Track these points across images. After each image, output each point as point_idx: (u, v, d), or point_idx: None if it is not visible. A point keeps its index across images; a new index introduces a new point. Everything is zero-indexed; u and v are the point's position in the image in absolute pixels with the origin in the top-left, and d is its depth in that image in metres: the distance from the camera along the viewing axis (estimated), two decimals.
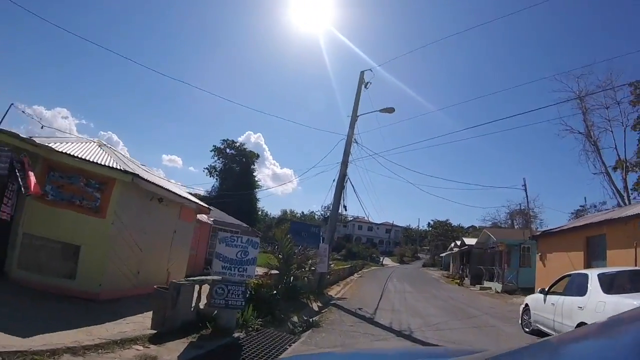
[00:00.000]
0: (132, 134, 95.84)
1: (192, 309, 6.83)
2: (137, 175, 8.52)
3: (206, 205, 16.29)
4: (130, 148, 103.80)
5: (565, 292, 7.90)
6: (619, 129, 25.44)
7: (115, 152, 11.12)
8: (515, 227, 40.42)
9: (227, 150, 56.24)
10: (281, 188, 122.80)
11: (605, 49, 59.34)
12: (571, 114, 38.56)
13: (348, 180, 17.12)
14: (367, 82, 17.84)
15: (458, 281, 29.36)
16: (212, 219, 21.45)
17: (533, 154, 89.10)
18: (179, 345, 5.65)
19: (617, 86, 22.49)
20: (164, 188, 10.85)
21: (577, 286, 7.61)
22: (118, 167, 8.51)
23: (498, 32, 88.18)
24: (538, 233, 16.68)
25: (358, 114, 18.01)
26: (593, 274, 7.35)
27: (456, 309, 13.89)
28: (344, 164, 16.88)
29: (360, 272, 37.12)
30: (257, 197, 55.52)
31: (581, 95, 25.15)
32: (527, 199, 19.58)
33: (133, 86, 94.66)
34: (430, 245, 68.60)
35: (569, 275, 8.37)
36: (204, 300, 7.06)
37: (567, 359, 0.97)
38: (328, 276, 17.50)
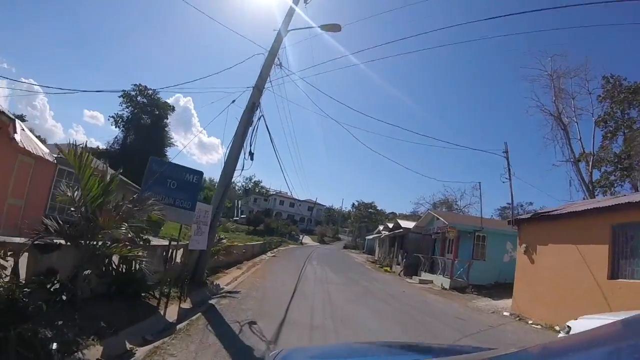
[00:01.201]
0: (55, 84, 79.59)
1: None
2: None
3: (6, 112, 9.00)
4: (51, 100, 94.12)
5: None
6: (586, 121, 22.98)
7: None
8: None
9: (138, 97, 45.99)
10: (206, 158, 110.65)
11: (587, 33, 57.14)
12: (542, 92, 36.17)
13: (262, 119, 10.89)
14: None
15: (388, 269, 25.14)
16: (57, 155, 13.89)
17: (492, 138, 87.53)
18: None
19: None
20: None
21: None
22: None
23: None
24: (525, 216, 12.17)
25: (289, 29, 11.97)
26: None
27: (414, 322, 8.69)
28: (257, 88, 10.71)
29: (275, 250, 31.55)
30: (168, 156, 46.92)
31: (553, 77, 22.05)
32: (509, 167, 15.58)
33: (59, 30, 76.54)
34: (353, 226, 65.98)
35: None
36: None
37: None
38: (216, 256, 11.25)
